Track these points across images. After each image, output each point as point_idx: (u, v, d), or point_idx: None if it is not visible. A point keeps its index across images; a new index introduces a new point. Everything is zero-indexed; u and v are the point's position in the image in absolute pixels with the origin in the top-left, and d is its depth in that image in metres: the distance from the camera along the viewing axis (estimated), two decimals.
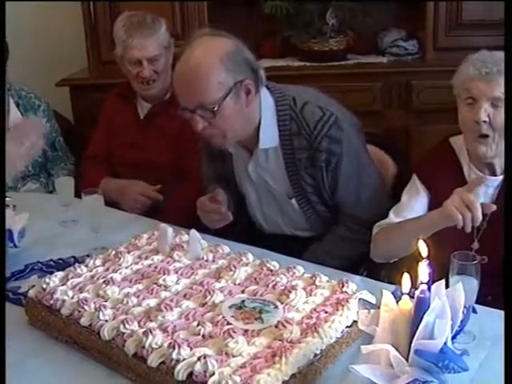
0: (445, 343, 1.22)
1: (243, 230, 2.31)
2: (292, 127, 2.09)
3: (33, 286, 1.71)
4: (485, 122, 1.83)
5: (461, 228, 1.75)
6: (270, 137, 2.10)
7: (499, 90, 1.80)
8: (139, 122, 2.83)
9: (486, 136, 1.85)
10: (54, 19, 3.84)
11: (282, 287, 1.61)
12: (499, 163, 1.92)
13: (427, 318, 1.21)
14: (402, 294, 1.24)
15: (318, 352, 1.40)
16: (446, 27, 3.38)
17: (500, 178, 1.93)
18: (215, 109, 1.93)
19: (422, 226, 1.88)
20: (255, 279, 1.67)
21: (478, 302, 1.55)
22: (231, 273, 1.70)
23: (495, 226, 1.89)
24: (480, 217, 1.72)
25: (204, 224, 2.22)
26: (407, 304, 1.23)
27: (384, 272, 2.12)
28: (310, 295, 1.59)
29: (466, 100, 1.88)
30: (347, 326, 1.50)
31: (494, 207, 1.75)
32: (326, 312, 1.50)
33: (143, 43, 2.65)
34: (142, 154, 2.77)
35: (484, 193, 1.92)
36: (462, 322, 1.31)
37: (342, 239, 2.20)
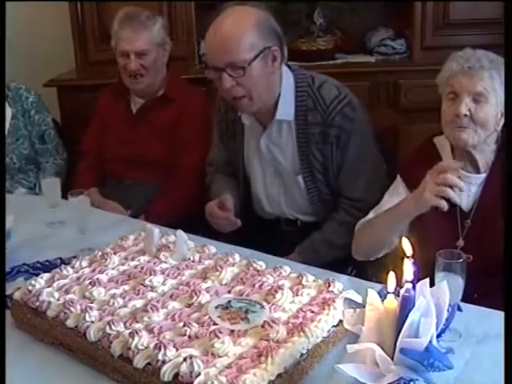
0: (430, 341, 1.22)
1: (243, 216, 2.33)
2: (308, 103, 2.19)
3: (18, 289, 1.69)
4: (465, 115, 1.83)
5: (446, 219, 1.81)
6: (286, 110, 2.20)
7: (481, 85, 1.82)
8: (131, 118, 2.87)
9: (465, 129, 1.85)
10: (41, 20, 3.83)
11: (269, 287, 1.60)
12: (482, 160, 1.93)
13: (412, 316, 1.22)
14: (388, 292, 1.24)
15: (304, 352, 1.40)
16: (433, 26, 3.39)
17: (483, 175, 1.93)
18: (245, 67, 2.03)
19: (398, 214, 1.92)
20: (242, 279, 1.67)
21: (463, 299, 1.55)
22: (217, 273, 1.69)
23: (480, 224, 1.92)
24: (462, 185, 1.76)
25: (192, 223, 2.26)
26: (392, 303, 1.24)
27: (371, 271, 2.13)
28: (297, 295, 1.58)
29: (449, 95, 1.89)
30: (333, 326, 1.50)
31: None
32: (313, 312, 1.50)
33: (132, 36, 2.71)
34: (135, 149, 2.81)
35: (467, 190, 1.92)
36: (447, 320, 1.31)
37: (341, 224, 2.26)
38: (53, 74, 3.53)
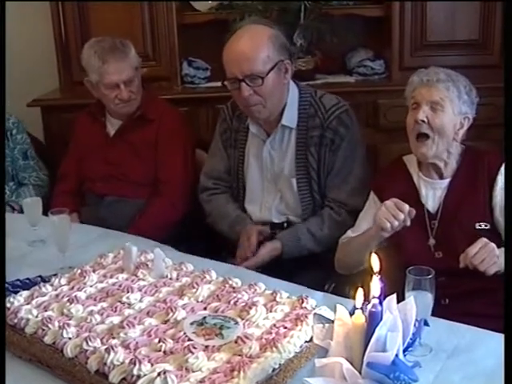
0: (396, 355, 1.26)
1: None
2: (310, 110, 2.43)
3: None
4: (423, 121, 2.04)
5: (415, 221, 1.97)
6: (290, 117, 2.43)
7: (437, 95, 2.04)
8: (108, 139, 2.90)
9: (425, 136, 2.04)
10: (24, 40, 3.85)
11: (243, 303, 1.64)
12: (447, 168, 2.12)
13: (379, 331, 1.25)
14: (355, 308, 1.27)
15: (276, 366, 1.42)
16: (411, 47, 3.45)
17: (447, 180, 2.12)
18: (263, 77, 2.25)
19: (365, 240, 2.09)
20: (217, 296, 1.70)
21: (434, 305, 1.59)
22: (194, 290, 1.73)
23: (445, 224, 2.09)
24: (402, 218, 1.92)
25: (173, 240, 2.40)
26: (360, 318, 1.27)
27: (348, 288, 2.17)
28: (271, 311, 1.61)
29: (412, 106, 2.11)
30: (306, 341, 1.52)
31: (414, 212, 1.93)
32: (286, 327, 1.53)
33: (118, 67, 2.72)
34: (114, 168, 2.85)
35: (433, 195, 2.13)
36: (414, 334, 1.35)
37: (325, 219, 2.42)
38: (37, 93, 3.55)
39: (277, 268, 2.26)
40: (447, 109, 2.04)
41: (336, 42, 3.36)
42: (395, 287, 1.45)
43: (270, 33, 2.32)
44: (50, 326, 1.57)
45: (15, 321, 1.62)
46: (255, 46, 2.27)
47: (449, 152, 2.10)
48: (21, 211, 2.86)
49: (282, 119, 2.42)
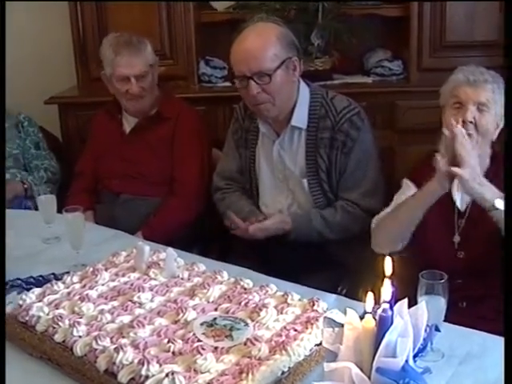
0: (406, 361, 1.24)
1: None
2: (321, 111, 2.41)
3: (10, 303, 1.72)
4: (471, 122, 2.01)
5: (444, 215, 2.00)
6: (301, 118, 2.41)
7: (484, 96, 2.03)
8: (124, 137, 2.91)
9: (469, 136, 1.99)
10: (43, 37, 3.87)
11: (254, 305, 1.63)
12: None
13: (389, 336, 1.23)
14: (366, 312, 1.26)
15: (285, 369, 1.41)
16: (430, 48, 3.41)
17: None
18: (271, 74, 2.25)
19: (419, 200, 2.04)
20: (228, 297, 1.70)
21: (450, 308, 1.57)
22: (205, 291, 1.72)
23: (473, 224, 2.06)
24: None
25: (187, 242, 2.40)
26: (370, 322, 1.25)
27: (361, 291, 2.15)
28: (281, 313, 1.61)
29: (454, 105, 2.07)
30: (317, 345, 1.51)
31: None
32: (296, 330, 1.52)
33: (131, 61, 2.74)
34: (130, 166, 2.86)
35: (463, 193, 2.07)
36: (424, 340, 1.33)
37: (338, 209, 2.42)
38: (54, 91, 3.57)
39: (289, 269, 2.24)
40: (492, 110, 2.04)
41: (354, 42, 3.34)
42: (408, 291, 1.44)
43: (277, 30, 2.32)
44: (60, 323, 1.57)
45: (26, 318, 1.63)
46: (262, 43, 2.28)
47: (485, 151, 2.08)
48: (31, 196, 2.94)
49: (291, 120, 2.41)
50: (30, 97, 3.61)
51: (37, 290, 1.76)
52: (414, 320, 1.30)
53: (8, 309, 1.70)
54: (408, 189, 2.20)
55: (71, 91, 3.64)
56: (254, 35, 2.31)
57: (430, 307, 1.37)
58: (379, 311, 1.24)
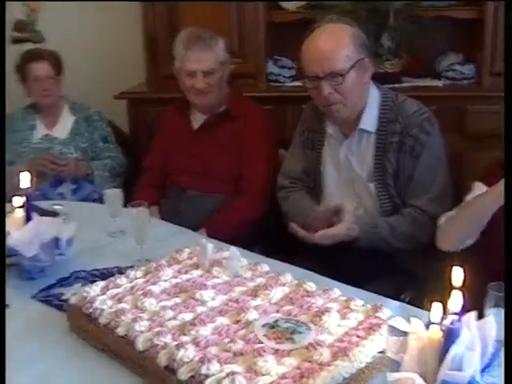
0: (473, 376, 1.21)
1: None
2: (390, 115, 2.38)
3: (75, 294, 1.75)
4: None
5: None
6: (370, 121, 2.39)
7: None
8: (193, 133, 2.93)
9: None
10: (114, 34, 3.94)
11: (317, 309, 1.61)
12: None
13: (456, 348, 1.20)
14: (431, 322, 1.23)
15: (346, 376, 1.39)
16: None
17: None
18: (344, 75, 2.24)
19: (494, 195, 2.01)
20: (291, 299, 1.68)
21: None
22: (267, 292, 1.71)
23: None
24: None
25: (250, 241, 2.40)
26: (436, 333, 1.22)
27: (427, 300, 2.11)
28: (344, 318, 1.58)
29: None
30: (379, 352, 1.48)
31: None
32: (358, 336, 1.49)
33: (199, 56, 2.77)
34: (198, 162, 2.88)
35: None
36: (492, 355, 1.29)
37: (406, 216, 2.37)
38: (124, 86, 3.63)
39: (352, 274, 2.21)
40: None
41: (425, 44, 3.28)
42: (475, 303, 1.40)
43: (350, 31, 2.31)
44: (123, 317, 1.58)
45: (90, 310, 1.65)
46: (336, 44, 2.27)
47: None
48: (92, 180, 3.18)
49: (360, 123, 2.38)
50: (100, 91, 3.69)
51: (101, 283, 1.78)
52: (481, 333, 1.26)
53: (72, 300, 1.72)
54: (479, 191, 2.15)
55: (140, 87, 3.69)
56: (326, 35, 2.30)
57: (498, 321, 1.33)
58: (447, 322, 1.21)
